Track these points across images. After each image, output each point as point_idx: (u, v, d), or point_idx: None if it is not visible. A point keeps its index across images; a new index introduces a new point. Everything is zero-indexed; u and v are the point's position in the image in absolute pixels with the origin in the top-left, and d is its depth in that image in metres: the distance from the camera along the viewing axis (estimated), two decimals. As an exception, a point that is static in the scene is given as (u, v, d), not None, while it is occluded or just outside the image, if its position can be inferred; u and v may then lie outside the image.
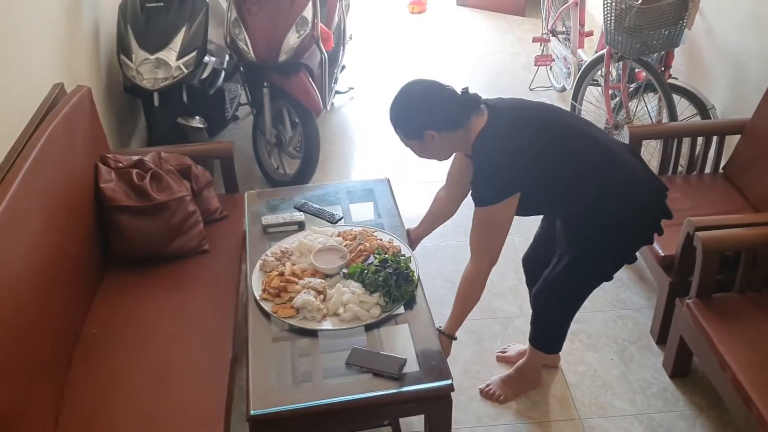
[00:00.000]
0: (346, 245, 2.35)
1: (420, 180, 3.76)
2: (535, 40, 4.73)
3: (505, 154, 2.06)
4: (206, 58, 3.44)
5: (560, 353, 2.67)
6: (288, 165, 3.77)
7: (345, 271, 2.25)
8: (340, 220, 2.57)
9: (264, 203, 2.68)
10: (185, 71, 3.25)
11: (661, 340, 2.78)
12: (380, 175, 2.85)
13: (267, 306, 2.16)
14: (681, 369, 2.66)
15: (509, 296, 3.09)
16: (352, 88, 4.77)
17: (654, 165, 3.22)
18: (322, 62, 3.63)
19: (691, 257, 2.49)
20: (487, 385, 2.62)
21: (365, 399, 1.93)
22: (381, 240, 2.38)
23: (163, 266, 2.58)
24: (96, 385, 2.12)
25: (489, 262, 2.16)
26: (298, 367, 2.06)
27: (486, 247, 2.15)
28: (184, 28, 3.26)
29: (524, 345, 2.61)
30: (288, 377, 2.02)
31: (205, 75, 3.48)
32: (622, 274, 3.16)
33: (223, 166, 3.05)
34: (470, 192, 2.14)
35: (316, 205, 2.63)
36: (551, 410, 2.56)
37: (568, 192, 2.15)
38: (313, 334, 2.09)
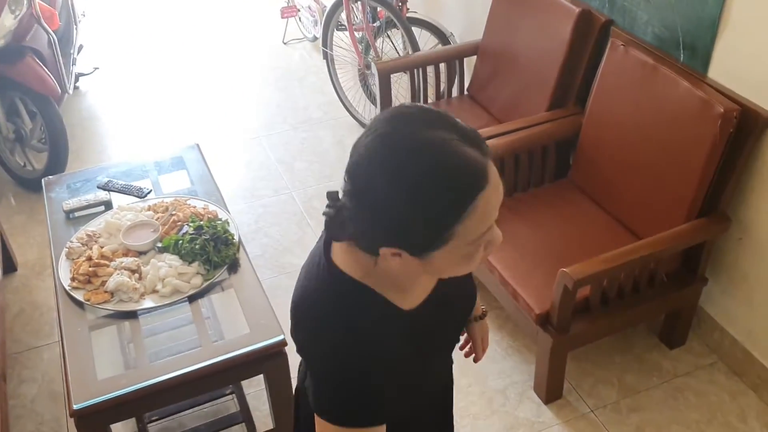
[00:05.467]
0: (158, 218, 2.25)
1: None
2: (278, -8, 4.70)
3: None
4: None
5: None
6: (36, 160, 3.47)
7: (159, 245, 2.17)
8: (149, 193, 2.47)
9: (63, 187, 2.50)
10: None
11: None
12: (142, 151, 2.72)
13: (78, 294, 2.03)
14: (460, 281, 2.83)
15: (296, 249, 3.12)
16: (98, 68, 4.45)
17: (407, 97, 3.36)
18: (50, 43, 3.35)
19: (448, 176, 2.63)
20: None
21: (193, 372, 1.86)
22: (195, 207, 2.30)
23: None
24: None
25: None
26: (121, 351, 1.97)
27: None
28: None
29: None
30: (111, 364, 1.92)
31: None
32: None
33: (-48, 175, 2.75)
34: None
35: (121, 182, 2.51)
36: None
37: None
38: (132, 315, 2.00)
